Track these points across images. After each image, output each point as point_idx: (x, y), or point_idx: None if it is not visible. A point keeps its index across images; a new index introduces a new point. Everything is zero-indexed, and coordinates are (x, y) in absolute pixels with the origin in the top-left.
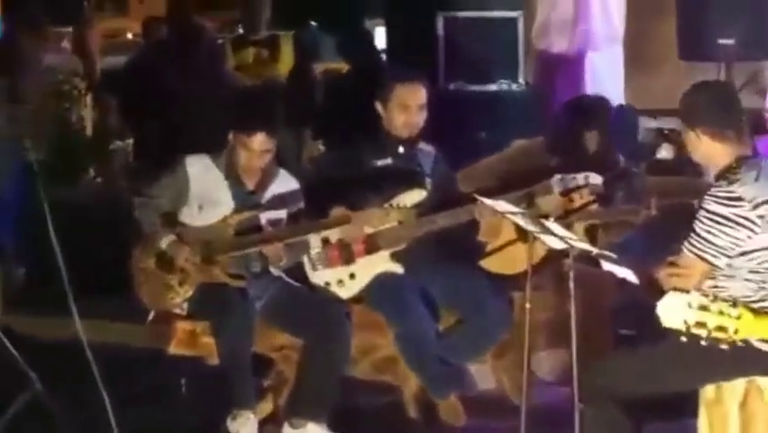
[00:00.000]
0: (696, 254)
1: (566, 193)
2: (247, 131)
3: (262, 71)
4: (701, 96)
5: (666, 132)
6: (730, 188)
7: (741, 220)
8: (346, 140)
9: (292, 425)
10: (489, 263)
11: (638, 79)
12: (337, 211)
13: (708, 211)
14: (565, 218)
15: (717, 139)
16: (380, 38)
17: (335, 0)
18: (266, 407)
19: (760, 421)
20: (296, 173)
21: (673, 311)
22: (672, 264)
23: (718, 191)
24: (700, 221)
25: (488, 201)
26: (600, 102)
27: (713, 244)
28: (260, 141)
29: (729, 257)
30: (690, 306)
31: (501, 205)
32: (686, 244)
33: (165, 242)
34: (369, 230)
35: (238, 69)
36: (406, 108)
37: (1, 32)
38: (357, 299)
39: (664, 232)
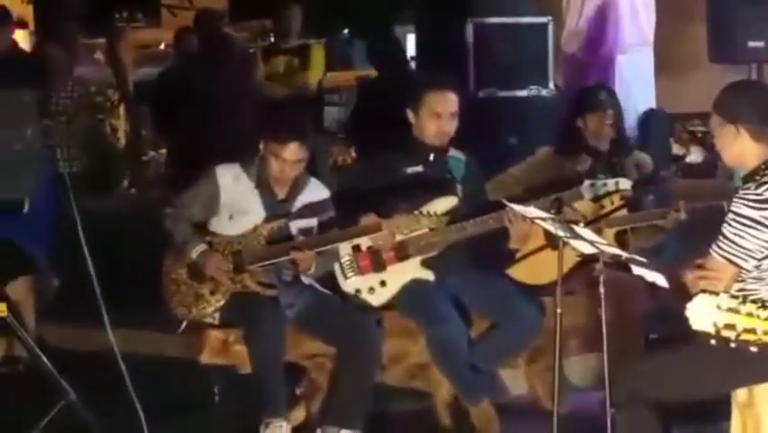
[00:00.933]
0: (724, 257)
1: (597, 199)
2: (280, 140)
3: (293, 80)
4: (746, 92)
5: (699, 135)
6: (758, 191)
7: None
8: (378, 147)
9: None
10: (518, 273)
11: (669, 83)
12: (368, 219)
13: (736, 214)
14: (595, 223)
15: (756, 137)
16: (410, 45)
17: (366, 8)
18: (299, 415)
19: None
20: (326, 181)
21: (702, 314)
22: (700, 267)
23: (747, 194)
24: (728, 224)
25: (517, 207)
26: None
27: (741, 246)
28: (292, 150)
29: (758, 259)
30: (719, 308)
31: (531, 211)
32: (714, 246)
33: (196, 251)
34: (399, 237)
35: (269, 78)
36: (438, 116)
37: (33, 44)
38: (388, 306)
39: (698, 235)
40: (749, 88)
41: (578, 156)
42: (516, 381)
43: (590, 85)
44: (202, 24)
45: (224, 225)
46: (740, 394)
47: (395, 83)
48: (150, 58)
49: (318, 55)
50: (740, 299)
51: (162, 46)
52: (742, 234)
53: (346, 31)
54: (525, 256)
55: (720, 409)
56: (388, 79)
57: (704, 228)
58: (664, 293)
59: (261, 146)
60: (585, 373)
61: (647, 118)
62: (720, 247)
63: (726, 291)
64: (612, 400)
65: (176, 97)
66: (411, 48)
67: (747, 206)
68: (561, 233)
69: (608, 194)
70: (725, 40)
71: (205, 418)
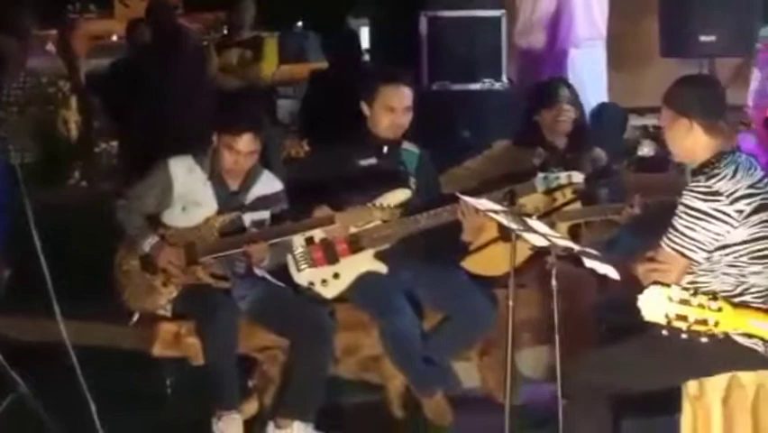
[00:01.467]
0: (675, 249)
1: (549, 192)
2: (233, 132)
3: (246, 72)
4: (698, 86)
5: (651, 129)
6: (708, 183)
7: (719, 215)
8: (331, 139)
9: (278, 424)
10: (471, 265)
11: (621, 77)
12: (321, 211)
13: (686, 206)
14: (547, 216)
15: (709, 131)
16: (364, 38)
17: (320, 1)
18: (251, 407)
19: (742, 416)
20: (279, 173)
21: (655, 305)
22: (651, 260)
23: (697, 186)
24: (679, 216)
25: (470, 200)
26: (556, 81)
27: (692, 238)
28: (245, 141)
29: (708, 252)
30: (670, 299)
31: (483, 203)
32: (664, 239)
33: (148, 244)
34: (353, 230)
35: (222, 70)
36: (392, 110)
37: None
38: (341, 299)
39: (650, 229)
40: (701, 82)
41: (534, 149)
42: (468, 373)
43: (549, 79)
44: (155, 15)
45: (176, 217)
46: (691, 387)
47: (352, 75)
48: (103, 49)
49: (271, 48)
50: (691, 291)
51: (114, 37)
52: (692, 226)
53: (300, 23)
54: (478, 249)
55: (672, 402)
56: (346, 72)
57: (656, 223)
58: (616, 286)
59: (215, 138)
60: (537, 365)
61: (600, 112)
62: (671, 239)
63: (677, 284)
64: (564, 391)
65: (128, 89)
66: (365, 41)
67: (698, 198)
68: (513, 225)
69: (561, 187)
70: (676, 34)
71: (158, 410)
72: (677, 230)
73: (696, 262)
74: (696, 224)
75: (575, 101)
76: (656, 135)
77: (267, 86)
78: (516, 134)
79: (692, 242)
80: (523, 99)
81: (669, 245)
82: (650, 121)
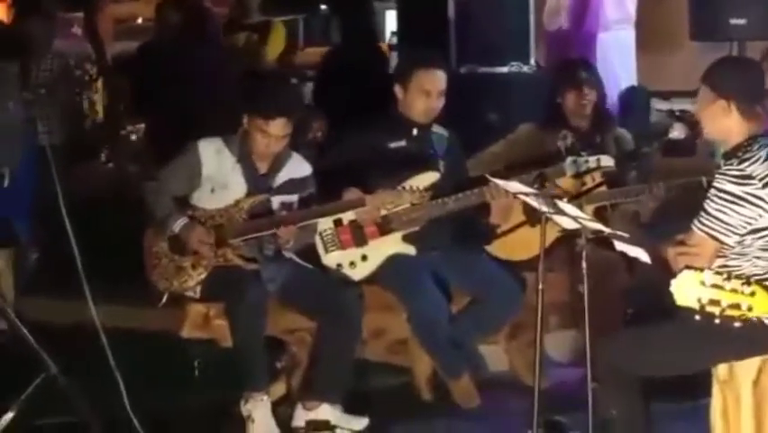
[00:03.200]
0: (706, 233)
1: (578, 176)
2: (266, 116)
3: (251, 55)
4: (740, 68)
5: (678, 113)
6: (741, 167)
7: (752, 199)
8: (360, 122)
9: (305, 406)
10: (498, 249)
11: (650, 61)
12: (351, 193)
13: (719, 190)
14: (577, 199)
15: (746, 114)
16: (391, 21)
17: None
18: (279, 389)
19: None
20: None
21: (687, 289)
22: (682, 243)
23: (729, 170)
24: (711, 200)
25: (500, 182)
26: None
27: (724, 222)
28: (279, 126)
29: (740, 235)
30: (703, 284)
31: (513, 185)
32: (696, 222)
33: (178, 225)
34: (382, 212)
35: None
36: (427, 94)
37: (12, 17)
38: (369, 281)
39: (679, 211)
40: (743, 65)
41: (559, 132)
42: (496, 357)
43: (570, 60)
44: None
45: (205, 199)
46: (721, 370)
47: (361, 55)
48: (129, 32)
49: (279, 32)
50: (724, 276)
51: (140, 20)
52: (725, 209)
53: (324, 6)
54: (504, 233)
55: (701, 386)
56: (366, 54)
57: (684, 204)
58: (646, 269)
59: (245, 120)
60: (564, 348)
61: (628, 95)
62: (702, 223)
63: (708, 267)
64: (593, 375)
65: (156, 71)
66: (392, 24)
67: (730, 181)
68: (544, 208)
69: (590, 171)
70: (706, 17)
71: (186, 391)
72: (709, 213)
73: (727, 245)
74: (728, 207)
75: (596, 83)
76: (684, 119)
77: (293, 69)
78: (540, 117)
79: (724, 225)
80: (547, 82)
81: (700, 228)
82: (676, 105)
